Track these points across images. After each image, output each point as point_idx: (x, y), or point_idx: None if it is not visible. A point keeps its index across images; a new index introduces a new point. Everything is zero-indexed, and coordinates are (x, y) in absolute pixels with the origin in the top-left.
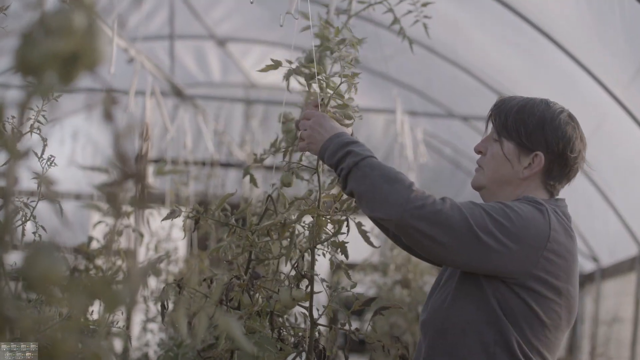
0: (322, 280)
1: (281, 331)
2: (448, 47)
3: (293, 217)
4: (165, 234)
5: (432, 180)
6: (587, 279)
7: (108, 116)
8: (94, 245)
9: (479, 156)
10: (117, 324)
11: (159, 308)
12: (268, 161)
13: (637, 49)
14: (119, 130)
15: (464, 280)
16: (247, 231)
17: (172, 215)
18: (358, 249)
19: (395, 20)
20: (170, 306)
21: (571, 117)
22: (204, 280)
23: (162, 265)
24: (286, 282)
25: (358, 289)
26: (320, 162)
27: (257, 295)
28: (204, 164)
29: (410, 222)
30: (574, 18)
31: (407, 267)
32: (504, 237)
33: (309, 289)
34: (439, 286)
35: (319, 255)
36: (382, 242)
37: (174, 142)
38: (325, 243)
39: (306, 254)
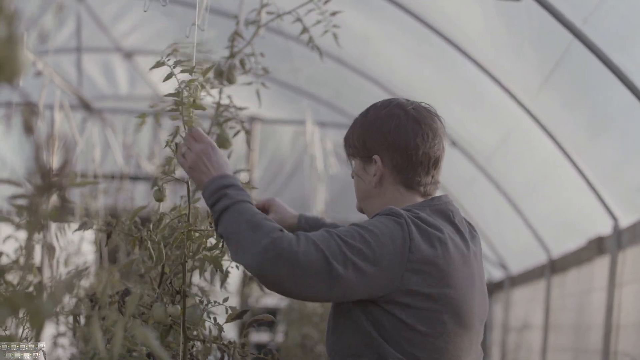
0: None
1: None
2: (357, 58)
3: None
4: (75, 247)
5: (343, 191)
6: (496, 287)
7: (28, 128)
8: (4, 260)
9: None
10: (29, 339)
11: (71, 322)
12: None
13: (545, 58)
14: (38, 142)
15: (336, 307)
16: (158, 244)
17: (83, 226)
18: None
19: (304, 30)
20: (82, 320)
21: (401, 105)
22: (117, 293)
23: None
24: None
25: (271, 301)
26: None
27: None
28: (112, 177)
29: (268, 269)
30: (483, 28)
31: None
32: (364, 264)
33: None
34: None
35: (232, 267)
36: None
37: (83, 155)
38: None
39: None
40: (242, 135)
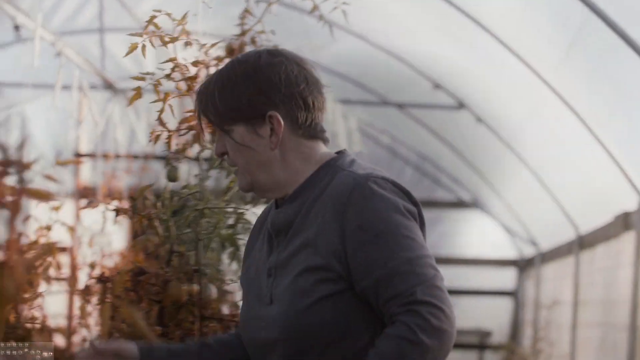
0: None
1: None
2: (381, 36)
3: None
4: (99, 227)
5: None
6: (527, 264)
7: None
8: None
9: (414, 144)
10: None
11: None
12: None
13: (563, 33)
14: None
15: None
16: (166, 222)
17: (89, 205)
18: None
19: (315, 8)
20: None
21: (274, 52)
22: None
23: (97, 259)
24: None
25: None
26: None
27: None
28: (136, 157)
29: None
30: (503, 5)
31: None
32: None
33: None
34: None
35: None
36: None
37: (107, 135)
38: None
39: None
40: None
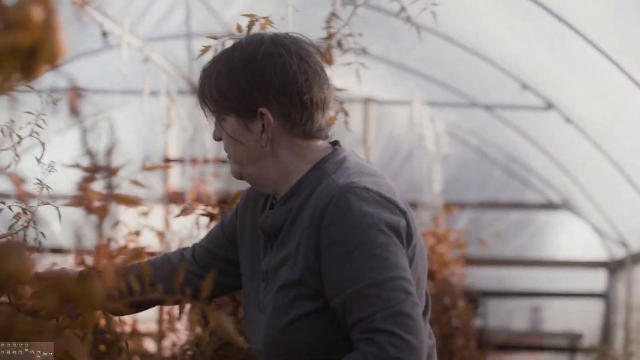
0: None
1: None
2: (469, 38)
3: None
4: (187, 232)
5: (458, 170)
6: (618, 265)
7: (74, 111)
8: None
9: (502, 146)
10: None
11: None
12: None
13: None
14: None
15: None
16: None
17: (184, 212)
18: None
19: (402, 9)
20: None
21: (276, 41)
22: None
23: None
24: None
25: None
26: None
27: None
28: (224, 161)
29: None
30: (591, 5)
31: (431, 259)
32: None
33: None
34: None
35: None
36: None
37: (195, 140)
38: None
39: None
40: (358, 118)
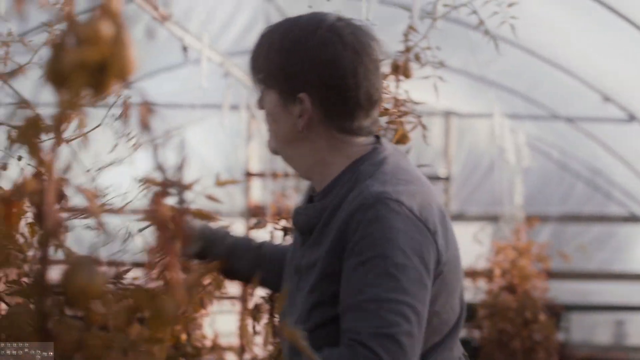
0: None
1: None
2: (549, 50)
3: None
4: None
5: (539, 183)
6: None
7: (145, 126)
8: None
9: (585, 158)
10: None
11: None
12: None
13: None
14: (156, 140)
15: None
16: None
17: (258, 225)
18: (463, 256)
19: (481, 22)
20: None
21: (334, 28)
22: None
23: None
24: None
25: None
26: None
27: None
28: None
29: None
30: None
31: (512, 272)
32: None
33: None
34: None
35: None
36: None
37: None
38: None
39: None
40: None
